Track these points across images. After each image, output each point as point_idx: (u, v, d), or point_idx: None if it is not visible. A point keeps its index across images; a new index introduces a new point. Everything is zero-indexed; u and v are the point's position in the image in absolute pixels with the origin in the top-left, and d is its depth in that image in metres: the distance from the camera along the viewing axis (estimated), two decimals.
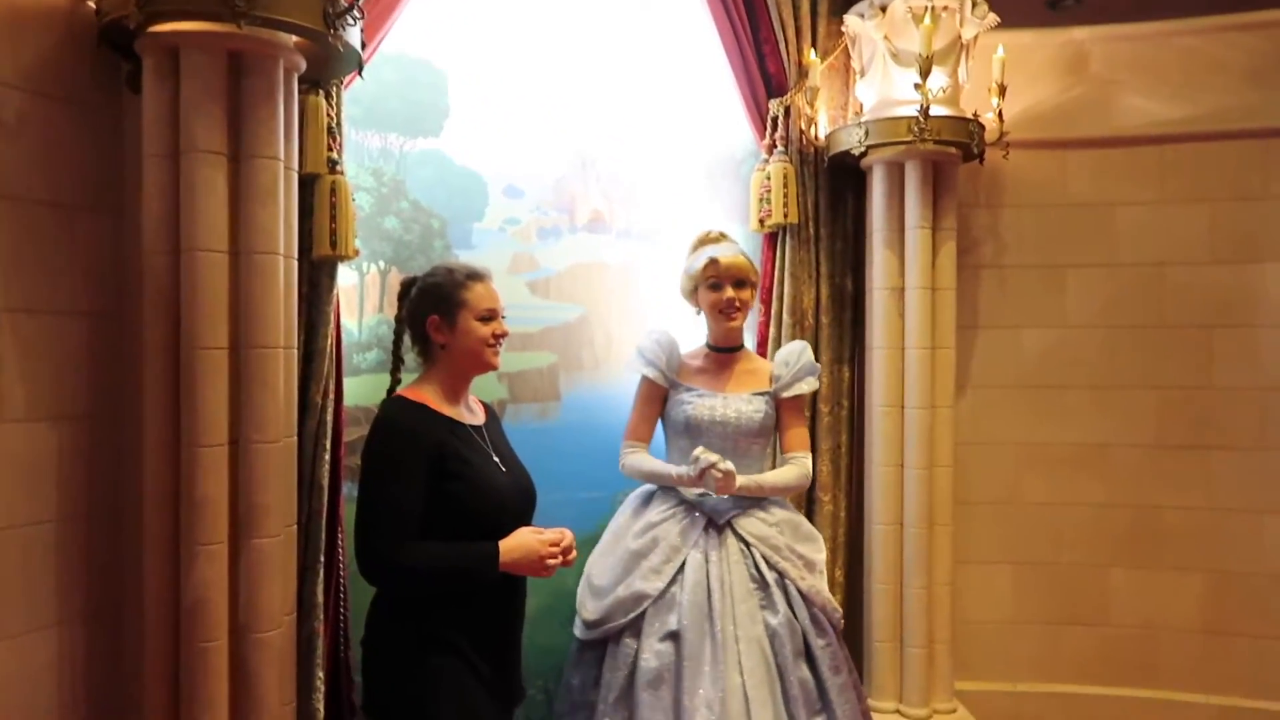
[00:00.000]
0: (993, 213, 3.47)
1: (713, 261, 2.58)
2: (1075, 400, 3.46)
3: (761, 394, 2.61)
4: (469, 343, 2.06)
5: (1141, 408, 3.42)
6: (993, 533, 3.47)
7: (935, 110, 2.88)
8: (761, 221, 3.10)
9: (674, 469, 2.53)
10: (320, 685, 2.51)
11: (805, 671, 2.38)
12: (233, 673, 2.06)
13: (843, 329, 3.23)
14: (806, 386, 2.65)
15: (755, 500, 2.54)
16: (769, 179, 3.06)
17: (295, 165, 2.17)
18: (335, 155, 2.41)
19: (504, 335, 2.11)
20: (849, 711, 2.39)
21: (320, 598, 2.51)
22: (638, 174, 3.09)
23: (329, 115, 2.41)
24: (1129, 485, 3.42)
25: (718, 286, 2.59)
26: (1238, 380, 3.35)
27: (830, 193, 3.20)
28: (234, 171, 2.02)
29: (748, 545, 2.48)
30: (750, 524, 2.50)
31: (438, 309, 2.07)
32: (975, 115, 3.06)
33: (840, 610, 2.56)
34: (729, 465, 2.42)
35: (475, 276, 2.09)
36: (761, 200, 3.08)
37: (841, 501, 3.20)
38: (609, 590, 2.46)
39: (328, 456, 2.51)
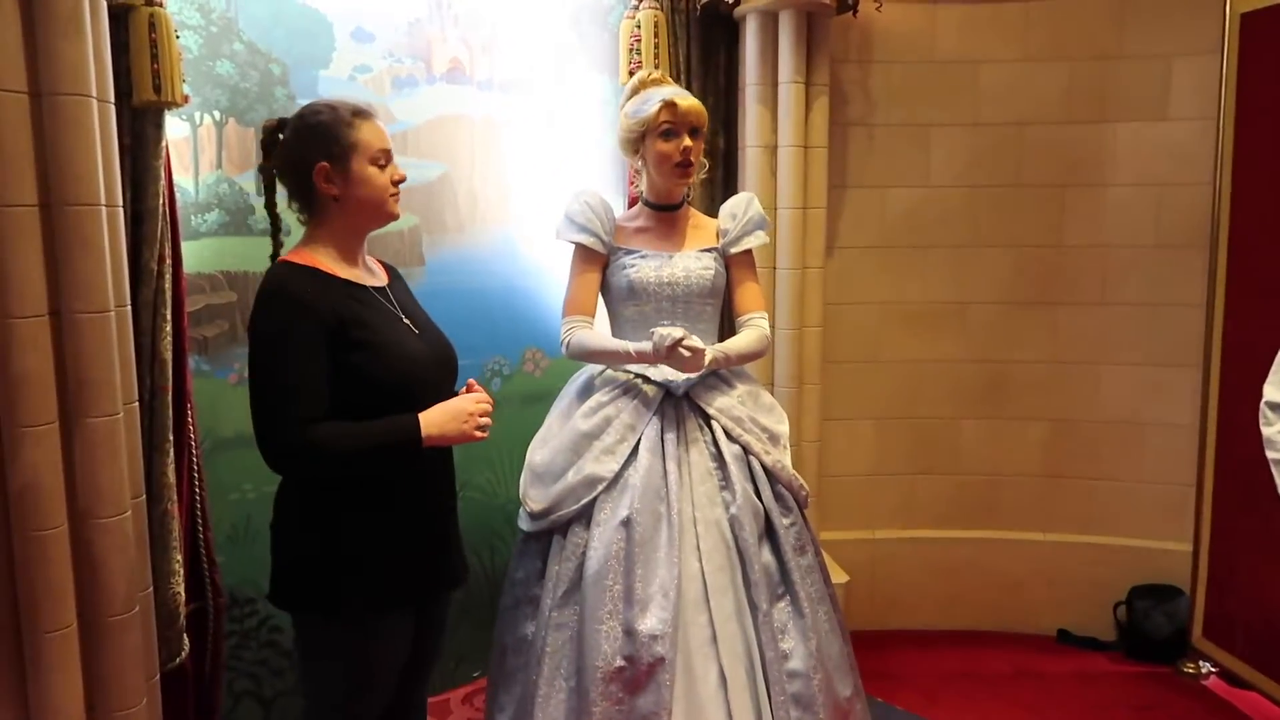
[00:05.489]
0: (863, 69, 3.43)
1: (670, 105, 2.24)
2: (936, 259, 3.55)
3: (709, 250, 2.37)
4: (368, 192, 1.80)
5: (997, 266, 3.53)
6: (857, 390, 3.58)
7: None
8: (631, 73, 2.94)
9: (630, 345, 2.22)
10: (179, 569, 2.38)
11: (768, 555, 2.21)
12: (76, 561, 1.90)
13: (714, 188, 3.16)
14: (756, 240, 2.41)
15: (714, 369, 2.31)
16: (639, 28, 2.90)
17: None
18: None
19: (402, 180, 1.86)
20: (812, 593, 2.23)
21: (171, 478, 2.34)
22: (499, 19, 2.87)
23: None
24: (983, 341, 3.57)
25: (672, 134, 2.25)
26: (1084, 238, 3.49)
27: (702, 44, 3.07)
28: None
29: (707, 419, 2.27)
30: (710, 395, 2.29)
31: (327, 154, 1.78)
32: None
33: (806, 487, 2.35)
34: (696, 340, 2.14)
35: (362, 114, 1.81)
36: (631, 51, 2.92)
37: None
38: (558, 475, 2.23)
39: (169, 328, 2.30)
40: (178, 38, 2.22)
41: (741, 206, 2.41)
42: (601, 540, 2.15)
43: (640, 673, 2.06)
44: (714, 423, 2.27)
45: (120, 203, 2.01)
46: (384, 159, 1.82)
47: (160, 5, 2.16)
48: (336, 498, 1.80)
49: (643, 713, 2.05)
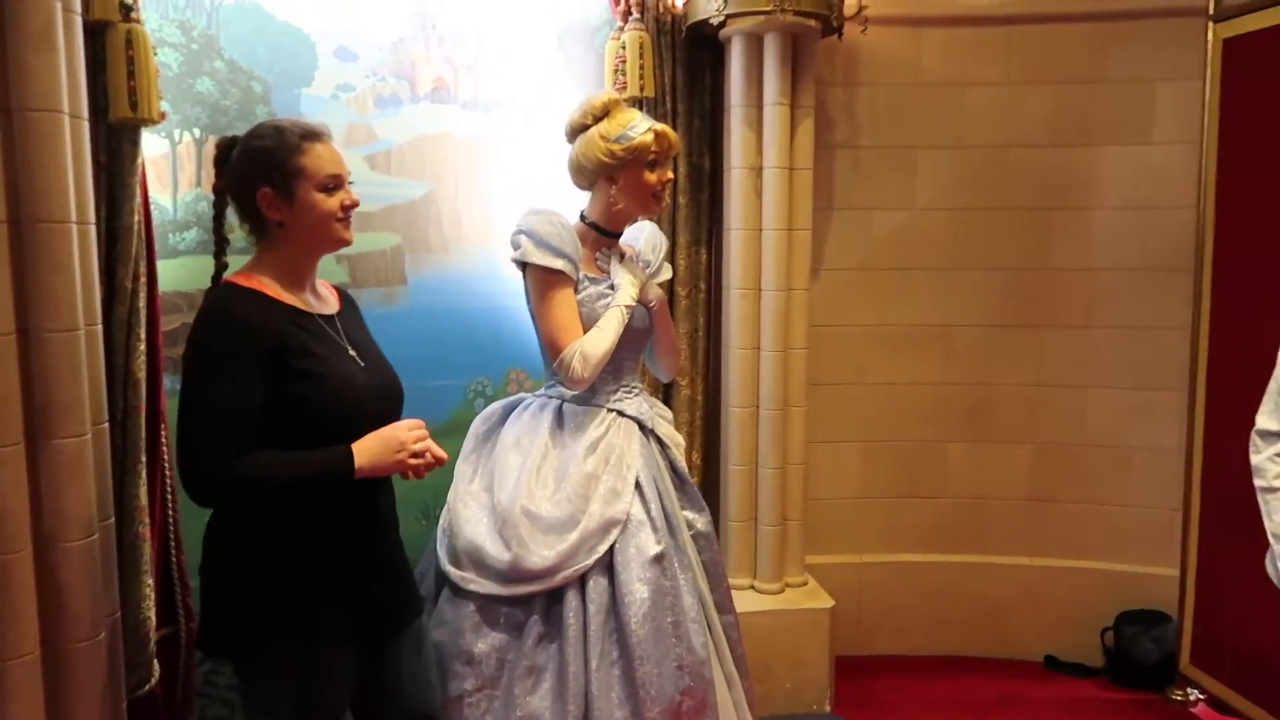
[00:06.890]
0: (849, 91, 3.43)
1: (662, 135, 2.20)
2: (921, 282, 3.54)
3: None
4: (313, 218, 1.73)
5: (982, 289, 3.52)
6: (842, 413, 3.55)
7: None
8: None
9: (619, 304, 2.18)
10: (150, 593, 2.34)
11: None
12: (40, 586, 1.86)
13: (700, 209, 3.16)
14: (669, 270, 2.49)
15: (650, 399, 2.40)
16: (624, 48, 2.90)
17: (77, 8, 1.86)
18: (129, 0, 2.09)
19: (354, 205, 1.79)
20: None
21: (144, 500, 2.31)
22: (484, 38, 2.87)
23: None
24: (968, 364, 3.56)
25: (657, 164, 2.22)
26: (1069, 262, 3.49)
27: (688, 66, 3.07)
28: None
29: (663, 447, 2.32)
30: (661, 425, 2.36)
31: (269, 179, 1.72)
32: None
33: None
34: (645, 279, 2.30)
35: (312, 136, 1.75)
36: (617, 72, 2.93)
37: (699, 385, 3.19)
38: (569, 524, 2.10)
39: (143, 347, 2.28)
40: (155, 55, 2.21)
41: (658, 237, 2.45)
42: (643, 579, 2.10)
43: (697, 702, 2.09)
44: (668, 450, 2.34)
45: (92, 220, 1.98)
46: (332, 183, 1.75)
47: (138, 22, 2.14)
48: (262, 537, 1.73)
49: None
